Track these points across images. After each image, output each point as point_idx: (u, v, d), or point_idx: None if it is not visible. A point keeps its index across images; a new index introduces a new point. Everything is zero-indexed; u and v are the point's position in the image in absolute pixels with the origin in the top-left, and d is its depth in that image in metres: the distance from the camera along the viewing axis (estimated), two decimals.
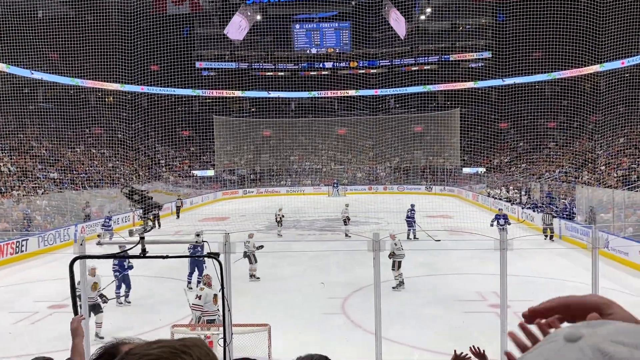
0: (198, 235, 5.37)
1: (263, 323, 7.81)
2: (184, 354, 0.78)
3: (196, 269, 12.95)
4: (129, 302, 11.80)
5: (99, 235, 6.16)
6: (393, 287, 12.35)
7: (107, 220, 21.02)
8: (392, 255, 12.09)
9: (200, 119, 43.80)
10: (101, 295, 9.66)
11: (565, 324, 0.63)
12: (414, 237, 19.54)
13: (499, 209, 20.98)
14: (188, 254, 11.50)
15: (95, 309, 9.32)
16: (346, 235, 20.19)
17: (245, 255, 13.49)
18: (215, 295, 8.55)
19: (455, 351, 3.96)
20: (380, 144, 44.41)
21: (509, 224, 18.44)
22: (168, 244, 5.68)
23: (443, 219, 22.89)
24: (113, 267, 11.58)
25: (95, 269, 9.76)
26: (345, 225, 20.74)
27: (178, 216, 28.13)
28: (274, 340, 7.76)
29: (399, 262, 12.25)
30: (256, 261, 13.80)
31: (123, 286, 11.81)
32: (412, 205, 20.06)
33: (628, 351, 0.50)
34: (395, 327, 9.33)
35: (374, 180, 43.12)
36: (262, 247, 13.71)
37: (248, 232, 14.70)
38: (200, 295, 8.60)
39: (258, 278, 13.69)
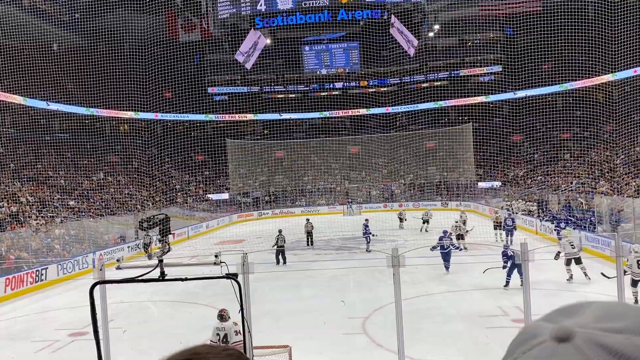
0: (216, 256, 5.36)
1: (283, 345, 7.73)
2: None
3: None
4: None
5: (118, 260, 6.16)
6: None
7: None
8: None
9: (214, 143, 44.14)
10: None
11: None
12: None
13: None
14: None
15: None
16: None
17: None
18: None
19: None
20: (394, 162, 44.30)
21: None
22: (185, 266, 5.68)
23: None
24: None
25: None
26: (461, 239, 20.02)
27: (149, 256, 19.90)
28: None
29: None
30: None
31: None
32: (367, 220, 22.06)
33: (626, 339, 0.44)
34: (417, 345, 9.18)
35: (389, 197, 42.94)
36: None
37: None
38: None
39: None
